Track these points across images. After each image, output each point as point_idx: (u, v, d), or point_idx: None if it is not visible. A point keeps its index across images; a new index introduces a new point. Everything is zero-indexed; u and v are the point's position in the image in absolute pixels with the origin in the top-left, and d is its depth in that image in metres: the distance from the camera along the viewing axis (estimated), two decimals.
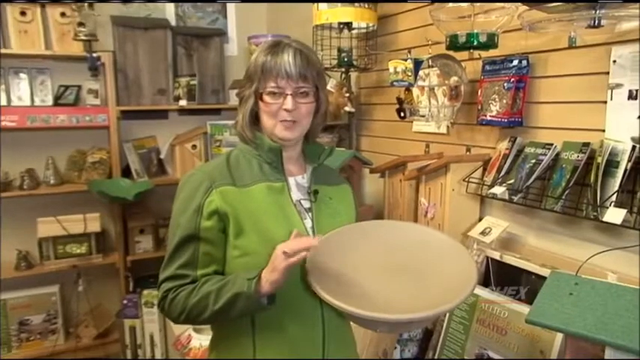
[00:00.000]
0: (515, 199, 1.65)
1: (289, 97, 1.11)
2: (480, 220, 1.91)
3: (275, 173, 1.15)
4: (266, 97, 1.12)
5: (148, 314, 2.69)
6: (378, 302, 0.99)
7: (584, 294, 1.11)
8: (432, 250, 1.13)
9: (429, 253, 1.13)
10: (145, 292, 2.67)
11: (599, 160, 1.44)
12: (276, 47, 1.12)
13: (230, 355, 1.15)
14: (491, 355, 1.55)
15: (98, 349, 2.80)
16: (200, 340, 2.05)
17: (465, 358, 1.61)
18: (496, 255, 1.74)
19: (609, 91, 1.47)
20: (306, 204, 1.17)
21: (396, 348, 1.83)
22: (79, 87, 2.74)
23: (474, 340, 1.60)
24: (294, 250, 0.98)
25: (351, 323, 1.26)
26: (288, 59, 1.10)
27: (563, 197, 1.51)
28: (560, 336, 1.39)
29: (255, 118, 1.17)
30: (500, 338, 1.54)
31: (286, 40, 1.14)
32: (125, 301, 2.69)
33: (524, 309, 1.48)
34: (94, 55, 2.59)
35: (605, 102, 1.48)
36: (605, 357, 1.06)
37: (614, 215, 1.36)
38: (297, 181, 1.20)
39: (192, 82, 2.91)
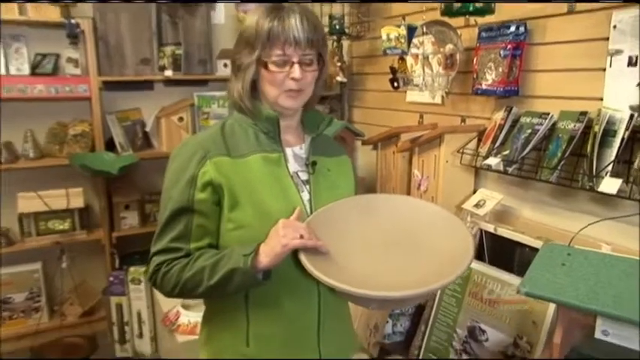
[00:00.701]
0: (510, 170, 1.66)
1: (296, 66, 1.07)
2: (474, 192, 1.93)
3: (272, 144, 1.13)
4: (271, 66, 1.08)
5: (135, 291, 2.70)
6: (371, 279, 0.99)
7: (577, 264, 1.12)
8: (426, 223, 1.13)
9: (423, 226, 1.12)
10: (132, 269, 2.68)
11: (596, 129, 1.44)
12: (279, 11, 1.07)
13: (223, 330, 1.16)
14: (483, 327, 1.57)
15: (84, 327, 2.81)
16: (189, 316, 2.06)
17: (457, 330, 1.63)
18: (490, 228, 1.76)
19: (608, 58, 1.46)
20: (304, 176, 1.16)
21: (387, 322, 1.86)
22: (58, 56, 2.68)
23: (467, 312, 1.63)
24: (301, 238, 0.99)
25: None
26: (295, 24, 1.05)
27: (559, 168, 1.52)
28: (552, 308, 1.41)
29: (254, 88, 1.14)
30: (493, 311, 1.56)
31: (287, 4, 1.09)
32: (111, 278, 2.69)
33: (517, 281, 1.49)
34: (73, 21, 2.53)
35: (604, 69, 1.47)
36: (597, 326, 1.08)
37: (610, 185, 1.36)
38: (295, 151, 1.18)
39: (177, 52, 2.86)
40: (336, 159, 1.25)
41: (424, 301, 1.83)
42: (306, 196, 1.14)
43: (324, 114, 1.24)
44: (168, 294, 1.09)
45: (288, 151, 1.17)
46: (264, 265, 1.01)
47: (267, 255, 1.01)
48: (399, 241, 1.10)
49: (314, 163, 1.17)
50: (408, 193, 2.06)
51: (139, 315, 2.72)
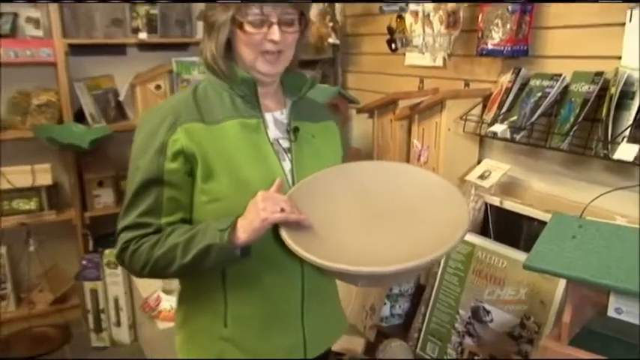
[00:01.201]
0: (518, 137, 1.66)
1: (275, 27, 1.06)
2: (479, 162, 1.92)
3: (249, 109, 1.13)
4: (247, 27, 1.06)
5: (111, 276, 2.70)
6: (358, 253, 0.99)
7: (589, 237, 1.13)
8: (419, 191, 1.13)
9: (416, 195, 1.13)
10: (107, 251, 2.68)
11: (613, 91, 1.44)
12: None
13: (200, 311, 1.17)
14: (487, 307, 1.59)
15: (55, 316, 2.82)
16: (170, 301, 2.08)
17: (460, 311, 1.65)
18: (495, 201, 1.76)
19: (628, 12, 1.44)
20: (285, 143, 1.16)
21: (385, 304, 1.88)
22: (15, 15, 2.63)
23: (470, 292, 1.64)
24: (282, 212, 0.99)
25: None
26: None
27: (571, 134, 1.52)
28: (561, 286, 1.43)
29: (228, 49, 1.13)
30: (498, 289, 1.57)
31: None
32: (84, 262, 2.69)
33: (524, 258, 1.47)
34: None
35: (623, 24, 1.46)
36: (609, 304, 1.09)
37: (626, 152, 1.36)
38: (276, 117, 1.17)
39: (152, 12, 2.82)
40: (321, 125, 1.24)
41: (417, 276, 1.86)
42: (287, 165, 1.14)
43: (307, 75, 1.23)
44: (138, 274, 1.10)
45: (268, 116, 1.16)
46: (242, 241, 1.01)
47: (245, 230, 1.01)
48: (390, 211, 1.10)
49: (296, 130, 1.16)
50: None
51: (116, 301, 2.73)
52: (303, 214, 1.04)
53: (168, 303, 2.09)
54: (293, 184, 1.13)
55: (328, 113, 1.32)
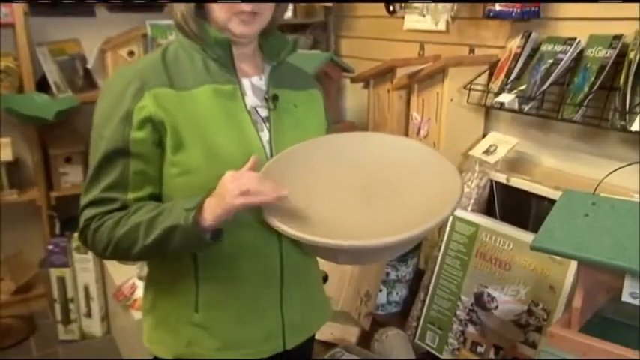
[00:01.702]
0: (527, 108, 1.66)
1: None
2: (484, 136, 1.93)
3: (224, 73, 1.12)
4: None
5: (81, 261, 2.69)
6: (340, 228, 1.01)
7: (602, 215, 1.13)
8: (409, 164, 1.15)
9: (405, 167, 1.15)
10: (76, 234, 2.67)
11: (632, 56, 1.44)
12: None
13: (169, 294, 1.18)
14: (492, 292, 1.60)
15: (19, 306, 2.82)
16: None
17: (462, 297, 1.67)
18: (502, 178, 1.77)
19: None
20: (264, 112, 1.16)
21: (381, 290, 1.90)
22: None
23: (473, 277, 1.66)
24: (255, 193, 0.98)
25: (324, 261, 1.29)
26: None
27: (585, 104, 1.52)
28: (572, 269, 1.44)
29: (200, 7, 1.12)
30: (504, 274, 1.59)
31: None
32: (50, 247, 2.68)
33: (531, 240, 1.51)
34: None
35: None
36: (624, 288, 1.09)
37: None
38: (254, 82, 1.17)
39: None
40: (304, 93, 1.24)
41: (416, 260, 1.88)
42: (265, 135, 1.14)
43: (288, 38, 1.22)
44: (101, 255, 1.10)
45: (245, 82, 1.16)
46: (209, 224, 1.01)
47: (212, 211, 1.00)
48: (377, 184, 1.12)
49: (275, 97, 1.16)
50: None
51: (86, 289, 2.73)
52: (284, 185, 1.04)
53: None
54: (271, 156, 1.13)
55: (312, 81, 1.32)
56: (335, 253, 1.06)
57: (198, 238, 1.01)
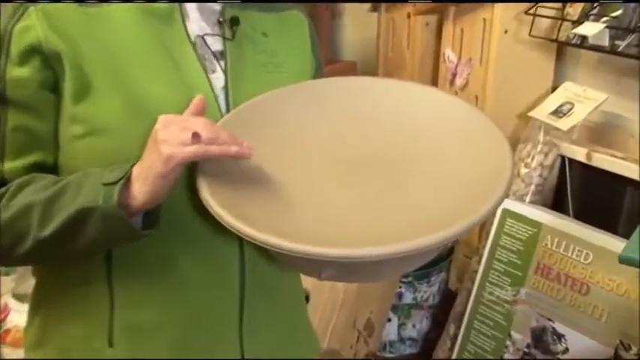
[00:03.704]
0: (623, 46, 1.64)
1: None
2: (554, 89, 1.91)
3: None
4: None
5: None
6: (325, 224, 0.99)
7: None
8: (430, 126, 1.14)
9: (430, 134, 1.13)
10: None
11: None
12: None
13: (68, 318, 1.15)
14: (560, 328, 1.59)
15: None
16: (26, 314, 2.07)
17: (513, 333, 1.64)
18: (579, 153, 1.74)
19: None
20: (217, 44, 1.15)
21: (390, 321, 1.89)
22: None
23: (530, 303, 1.64)
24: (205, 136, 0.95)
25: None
26: None
27: None
28: None
29: None
30: (578, 299, 1.57)
31: None
32: None
33: (621, 248, 1.47)
34: None
35: None
36: None
37: None
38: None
39: None
40: (278, 16, 1.26)
41: (441, 276, 1.85)
42: (219, 79, 1.14)
43: None
44: None
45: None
46: (141, 202, 0.97)
47: (144, 181, 0.97)
48: (382, 157, 1.12)
49: (234, 22, 1.16)
50: None
51: None
52: (240, 161, 1.02)
53: (20, 316, 2.07)
54: (227, 109, 1.12)
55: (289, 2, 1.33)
56: (317, 265, 1.03)
57: (125, 226, 0.98)
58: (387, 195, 1.06)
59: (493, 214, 1.51)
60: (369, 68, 2.40)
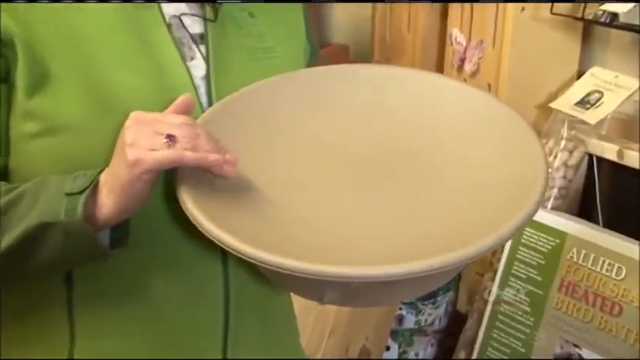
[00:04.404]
0: None
1: None
2: (580, 76, 1.91)
3: None
4: None
5: None
6: (325, 237, 0.99)
7: None
8: (448, 121, 1.14)
9: (440, 128, 1.14)
10: None
11: None
12: None
13: (20, 350, 1.17)
14: (588, 356, 1.63)
15: None
16: None
17: None
18: (610, 151, 1.75)
19: None
20: (197, 26, 1.16)
21: (388, 349, 1.96)
22: None
23: (553, 325, 1.69)
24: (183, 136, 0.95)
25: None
26: None
27: None
28: None
29: None
30: (609, 321, 1.60)
31: None
32: None
33: None
34: None
35: None
36: None
37: None
38: None
39: None
40: None
41: (447, 298, 1.96)
42: (199, 67, 1.13)
43: None
44: None
45: None
46: (107, 214, 0.96)
47: (109, 191, 0.95)
48: (393, 159, 1.12)
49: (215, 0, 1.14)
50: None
51: None
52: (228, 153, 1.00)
53: None
54: (209, 103, 1.11)
55: None
56: (319, 287, 1.00)
57: (90, 243, 0.97)
58: (398, 203, 1.05)
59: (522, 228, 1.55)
60: (362, 52, 2.43)
